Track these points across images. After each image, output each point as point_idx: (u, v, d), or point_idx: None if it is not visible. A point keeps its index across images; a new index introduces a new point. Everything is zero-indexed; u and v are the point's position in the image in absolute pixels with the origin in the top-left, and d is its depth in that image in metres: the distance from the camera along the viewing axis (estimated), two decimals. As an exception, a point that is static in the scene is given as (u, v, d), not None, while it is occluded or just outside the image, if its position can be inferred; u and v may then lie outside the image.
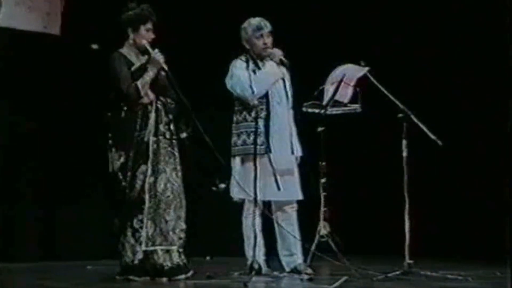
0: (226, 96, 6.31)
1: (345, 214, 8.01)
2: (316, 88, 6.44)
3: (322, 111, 6.34)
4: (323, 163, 6.44)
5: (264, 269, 6.20)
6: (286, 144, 6.23)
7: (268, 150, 6.10)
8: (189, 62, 7.73)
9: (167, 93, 6.07)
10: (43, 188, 7.94)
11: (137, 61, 6.06)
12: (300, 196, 6.26)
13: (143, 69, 6.00)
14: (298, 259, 6.23)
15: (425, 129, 6.06)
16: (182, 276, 5.91)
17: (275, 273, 6.21)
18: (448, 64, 8.50)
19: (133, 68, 6.01)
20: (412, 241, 6.00)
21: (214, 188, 6.13)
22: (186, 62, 7.41)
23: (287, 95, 6.28)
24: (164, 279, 5.86)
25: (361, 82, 6.37)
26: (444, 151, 6.13)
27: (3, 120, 7.79)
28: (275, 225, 6.23)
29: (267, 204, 6.22)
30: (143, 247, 5.87)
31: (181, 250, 5.98)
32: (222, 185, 6.12)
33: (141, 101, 5.97)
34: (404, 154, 6.06)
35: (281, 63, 6.19)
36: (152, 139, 5.97)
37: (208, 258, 8.03)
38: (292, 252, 6.24)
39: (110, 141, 5.99)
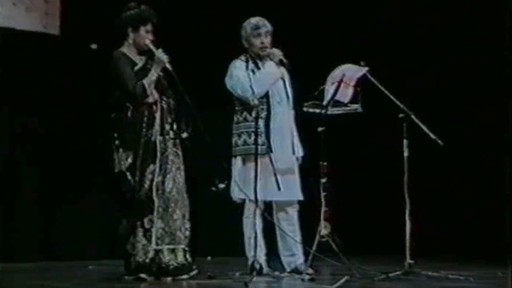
0: (226, 96, 6.30)
1: (345, 214, 8.00)
2: (316, 88, 6.43)
3: (323, 111, 6.33)
4: (324, 163, 6.42)
5: (265, 269, 6.19)
6: (287, 144, 6.22)
7: (269, 150, 6.10)
8: (189, 62, 7.71)
9: (167, 93, 6.07)
10: (43, 188, 7.93)
11: (138, 61, 6.04)
12: (300, 197, 6.26)
13: (146, 68, 5.98)
14: (299, 259, 6.22)
15: (425, 129, 6.06)
16: (186, 276, 5.90)
17: (276, 273, 6.19)
18: (448, 64, 8.50)
19: (136, 68, 6.00)
20: (412, 241, 5.99)
21: (213, 188, 6.11)
22: (186, 62, 7.38)
23: (287, 95, 6.28)
24: (169, 279, 5.86)
25: (360, 82, 6.36)
26: (444, 151, 6.12)
27: (3, 120, 7.78)
28: (276, 225, 6.23)
29: (268, 204, 6.22)
30: (153, 246, 5.87)
31: (186, 248, 5.98)
32: (222, 185, 6.10)
33: (147, 101, 5.96)
34: (405, 154, 6.06)
35: (280, 63, 6.18)
36: (159, 138, 5.97)
37: (209, 258, 8.02)
38: (293, 252, 6.23)
39: (116, 142, 5.95)
